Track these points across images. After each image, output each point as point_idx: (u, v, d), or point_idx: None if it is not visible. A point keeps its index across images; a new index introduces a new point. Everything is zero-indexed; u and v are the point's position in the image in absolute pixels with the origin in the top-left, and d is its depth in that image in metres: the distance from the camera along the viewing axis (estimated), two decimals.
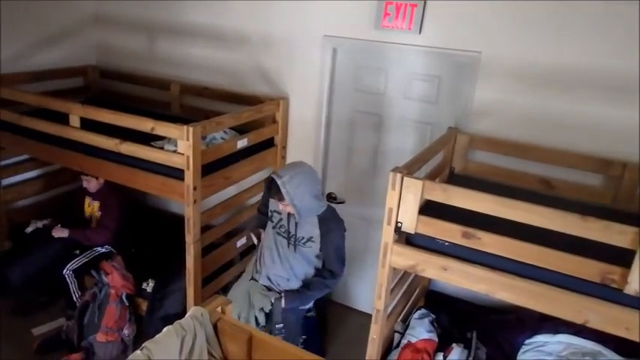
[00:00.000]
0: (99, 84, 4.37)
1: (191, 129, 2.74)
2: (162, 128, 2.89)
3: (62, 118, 3.22)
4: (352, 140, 3.59)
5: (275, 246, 2.72)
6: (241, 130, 3.40)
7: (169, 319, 2.53)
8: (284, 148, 3.71)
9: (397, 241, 2.31)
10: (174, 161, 2.87)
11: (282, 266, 2.70)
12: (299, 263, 2.69)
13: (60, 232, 3.49)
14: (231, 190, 3.43)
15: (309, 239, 2.62)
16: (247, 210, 3.63)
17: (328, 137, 3.65)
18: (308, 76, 3.52)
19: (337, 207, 3.50)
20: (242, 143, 3.22)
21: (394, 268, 2.38)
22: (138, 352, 1.54)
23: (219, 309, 1.79)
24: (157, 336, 1.61)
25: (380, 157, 3.52)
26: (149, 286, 3.46)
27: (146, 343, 1.55)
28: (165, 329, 1.61)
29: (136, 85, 4.18)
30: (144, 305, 3.40)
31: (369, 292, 3.04)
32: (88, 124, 3.16)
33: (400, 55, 3.23)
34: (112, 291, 3.23)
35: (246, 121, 3.33)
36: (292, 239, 2.66)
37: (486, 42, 2.93)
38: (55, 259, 3.45)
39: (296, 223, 2.62)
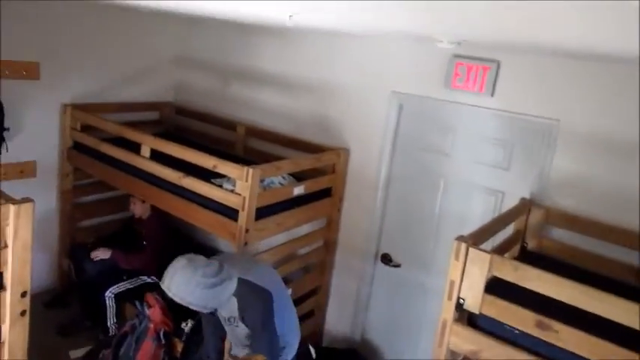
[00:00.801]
0: (173, 119, 4.47)
1: (251, 170, 2.68)
2: (224, 167, 2.86)
3: (135, 148, 3.29)
4: (412, 200, 3.32)
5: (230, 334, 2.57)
6: (299, 177, 3.31)
7: None
8: (341, 200, 3.54)
9: (458, 319, 2.04)
10: (231, 200, 2.81)
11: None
12: (235, 344, 2.51)
13: (101, 254, 3.50)
14: (280, 238, 3.27)
15: (233, 318, 2.39)
16: (296, 259, 3.46)
17: (387, 194, 3.42)
18: (371, 130, 3.38)
19: (392, 270, 3.39)
20: (299, 190, 3.11)
21: (452, 351, 2.09)
22: None
23: None
24: None
25: (441, 221, 3.20)
26: (187, 326, 3.29)
27: None
28: None
29: (206, 124, 4.23)
30: (179, 346, 3.25)
31: None
32: (157, 156, 3.21)
33: (470, 116, 3.01)
34: (151, 325, 3.14)
35: (305, 169, 3.23)
36: (229, 320, 2.44)
37: (566, 108, 2.65)
38: (102, 277, 3.45)
39: (229, 308, 2.40)
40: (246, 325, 2.35)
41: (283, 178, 3.22)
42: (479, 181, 3.06)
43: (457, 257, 1.97)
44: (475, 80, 2.90)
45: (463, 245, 1.96)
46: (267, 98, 3.93)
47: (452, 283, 2.00)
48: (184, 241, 4.07)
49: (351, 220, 3.53)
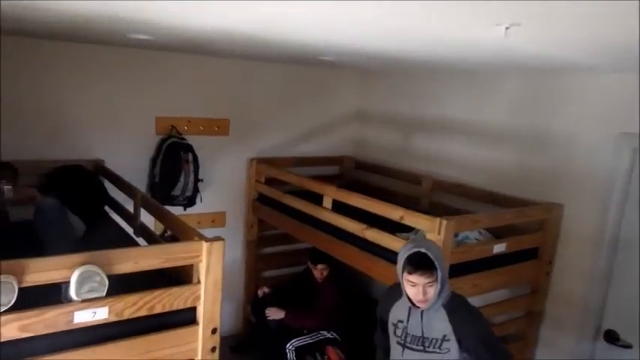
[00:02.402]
0: (352, 174, 4.41)
1: (444, 222, 2.40)
2: (412, 218, 2.63)
3: (316, 201, 3.25)
4: None
5: None
6: (497, 235, 2.90)
7: None
8: (550, 262, 2.99)
9: None
10: None
11: None
12: None
13: (275, 314, 3.50)
14: (473, 301, 2.80)
15: (443, 339, 2.02)
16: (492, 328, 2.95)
17: (612, 259, 2.76)
18: (590, 182, 2.80)
19: (619, 352, 2.71)
20: (499, 248, 2.69)
21: None
22: None
23: None
24: None
25: None
26: None
27: None
28: None
29: (387, 178, 4.07)
30: None
31: None
32: (338, 208, 3.11)
33: None
34: None
35: (506, 225, 2.83)
36: (426, 343, 2.05)
37: None
38: (282, 329, 3.46)
39: (422, 323, 2.05)
40: (465, 343, 2.00)
41: (480, 233, 2.86)
42: None
43: None
44: None
45: None
46: (455, 149, 3.63)
47: None
48: (362, 299, 3.90)
49: (562, 287, 2.97)
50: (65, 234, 1.87)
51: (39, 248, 1.76)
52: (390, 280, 2.75)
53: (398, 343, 2.15)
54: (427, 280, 1.96)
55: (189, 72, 3.58)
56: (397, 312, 2.16)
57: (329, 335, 3.44)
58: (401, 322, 2.14)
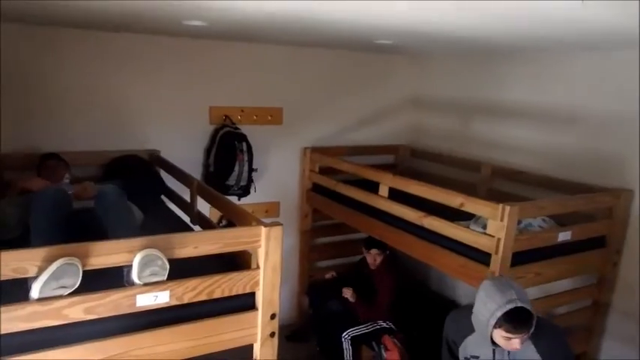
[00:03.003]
0: (408, 162, 4.29)
1: (508, 208, 2.29)
2: (473, 205, 2.51)
3: (371, 190, 3.18)
4: None
5: None
6: (561, 222, 2.72)
7: None
8: (618, 252, 2.80)
9: None
10: (481, 243, 2.43)
11: None
12: None
13: (349, 295, 3.42)
14: (534, 291, 2.62)
15: None
16: (553, 320, 2.77)
17: None
18: None
19: None
20: (564, 236, 2.54)
21: None
22: None
23: None
24: None
25: None
26: None
27: None
28: None
29: (443, 165, 3.93)
30: None
31: None
32: (395, 197, 3.03)
33: None
34: None
35: (570, 212, 2.69)
36: None
37: None
38: (338, 318, 3.43)
39: (508, 354, 1.89)
40: None
41: (543, 220, 2.69)
42: None
43: None
44: None
45: None
46: (515, 134, 3.44)
47: None
48: (419, 289, 3.84)
49: (631, 277, 2.79)
50: (127, 219, 1.88)
51: (101, 234, 1.77)
52: (449, 270, 2.72)
53: None
54: (526, 336, 1.79)
55: (242, 61, 3.55)
56: (472, 347, 1.99)
57: (385, 325, 3.36)
58: (475, 357, 1.98)
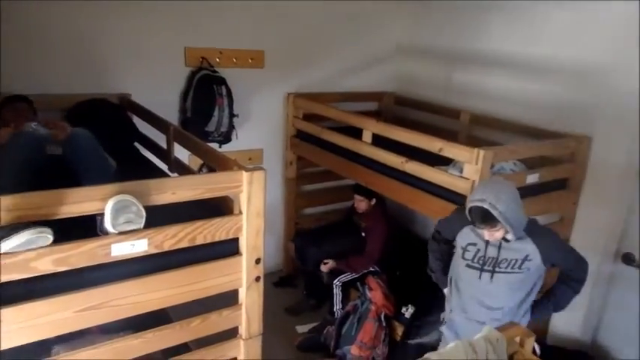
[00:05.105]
0: (392, 110, 4.16)
1: (482, 152, 2.33)
2: (451, 149, 2.52)
3: (355, 136, 3.10)
4: None
5: (472, 284, 2.12)
6: (529, 166, 2.81)
7: (424, 349, 2.30)
8: (578, 192, 2.95)
9: None
10: (458, 186, 2.45)
11: (489, 303, 2.11)
12: (505, 294, 2.08)
13: (326, 268, 3.38)
14: None
15: (525, 259, 2.01)
16: None
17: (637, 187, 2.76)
18: (622, 113, 2.70)
19: (634, 272, 2.81)
20: (533, 178, 2.62)
21: None
22: None
23: (517, 339, 1.30)
24: (442, 350, 1.24)
25: None
26: (408, 311, 3.11)
27: (429, 355, 1.18)
28: (453, 344, 1.22)
29: (425, 113, 3.82)
30: (399, 330, 3.06)
31: None
32: (378, 143, 2.97)
33: None
34: (373, 307, 3.03)
35: (537, 157, 2.81)
36: (501, 265, 2.04)
37: None
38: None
39: (499, 248, 2.03)
40: (549, 258, 2.04)
41: (515, 164, 2.76)
42: None
43: None
44: None
45: None
46: (494, 83, 3.39)
47: None
48: (404, 235, 3.82)
49: (588, 214, 2.95)
50: (101, 165, 1.71)
51: (74, 181, 1.61)
52: (429, 212, 2.73)
53: (468, 266, 2.11)
54: (493, 229, 1.93)
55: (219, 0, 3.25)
56: (467, 236, 2.11)
57: (371, 269, 3.35)
58: (472, 244, 2.09)
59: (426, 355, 1.11)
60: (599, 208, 2.88)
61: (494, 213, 1.82)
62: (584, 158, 2.88)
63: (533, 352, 2.25)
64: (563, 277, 2.14)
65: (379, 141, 2.96)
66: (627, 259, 2.83)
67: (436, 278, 2.39)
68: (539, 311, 2.16)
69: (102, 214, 1.38)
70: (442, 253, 2.33)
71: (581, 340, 3.07)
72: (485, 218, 1.87)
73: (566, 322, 3.07)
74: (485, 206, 1.83)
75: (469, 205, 1.91)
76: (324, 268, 3.37)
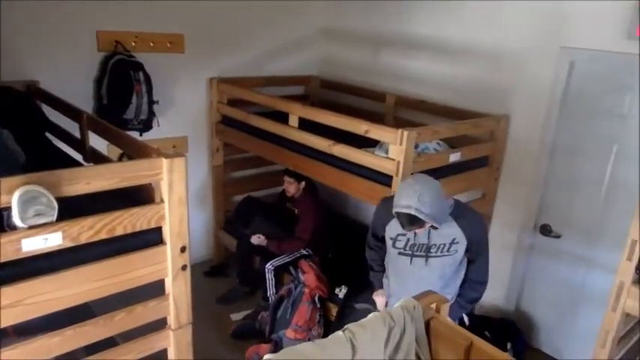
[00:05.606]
0: (318, 93, 4.18)
1: (406, 133, 2.39)
2: (376, 131, 2.58)
3: (282, 121, 3.09)
4: (580, 169, 2.86)
5: (406, 270, 2.21)
6: (452, 145, 2.95)
7: None
8: (498, 169, 3.11)
9: (637, 282, 1.88)
10: (384, 166, 2.52)
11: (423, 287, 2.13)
12: (439, 277, 2.20)
13: (258, 240, 3.35)
14: None
15: (452, 242, 2.13)
16: None
17: (552, 163, 2.95)
18: (536, 94, 2.91)
19: (551, 241, 3.01)
20: (455, 157, 2.74)
21: (627, 314, 1.94)
22: (340, 333, 1.25)
23: (433, 306, 1.41)
24: (362, 320, 1.30)
25: (613, 191, 2.75)
26: (341, 292, 3.18)
27: (349, 326, 1.26)
28: (371, 315, 1.30)
29: (353, 96, 3.88)
30: (334, 310, 3.11)
31: (580, 342, 2.85)
32: (305, 126, 2.98)
33: None
34: (306, 290, 3.06)
35: (461, 136, 2.90)
36: (432, 250, 2.15)
37: None
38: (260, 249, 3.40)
39: (429, 233, 2.12)
40: (469, 249, 2.15)
41: (438, 144, 2.87)
42: None
43: None
44: None
45: None
46: (419, 66, 3.51)
47: (633, 243, 1.83)
48: (336, 218, 3.88)
49: (508, 190, 3.15)
50: (6, 155, 1.59)
51: None
52: (358, 193, 2.77)
53: (400, 254, 2.19)
54: (420, 228, 2.02)
55: None
56: (397, 227, 2.12)
57: (304, 252, 3.37)
58: (402, 234, 2.15)
59: (347, 326, 1.16)
60: (518, 184, 3.06)
61: (421, 217, 1.89)
62: (504, 137, 3.04)
63: (462, 323, 2.43)
64: (467, 280, 2.26)
65: (306, 125, 2.96)
66: (545, 230, 3.02)
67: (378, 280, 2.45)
68: (451, 312, 2.21)
69: (8, 208, 1.29)
70: (383, 258, 2.39)
71: (505, 308, 3.28)
72: (413, 222, 1.93)
73: (491, 293, 3.18)
74: (412, 212, 1.88)
75: (395, 209, 1.95)
76: (254, 239, 3.34)
